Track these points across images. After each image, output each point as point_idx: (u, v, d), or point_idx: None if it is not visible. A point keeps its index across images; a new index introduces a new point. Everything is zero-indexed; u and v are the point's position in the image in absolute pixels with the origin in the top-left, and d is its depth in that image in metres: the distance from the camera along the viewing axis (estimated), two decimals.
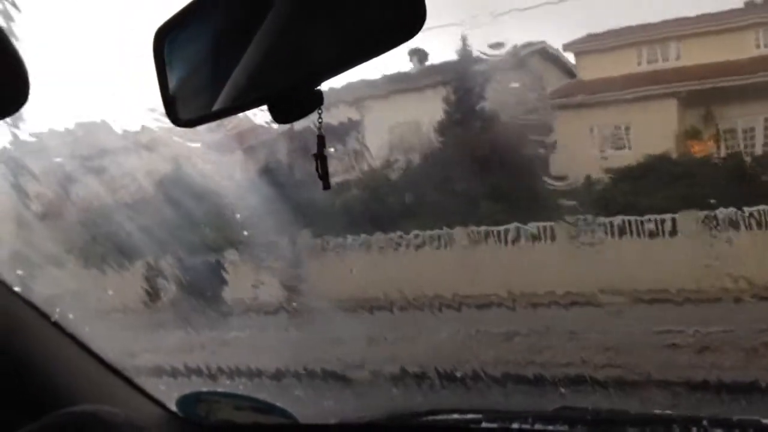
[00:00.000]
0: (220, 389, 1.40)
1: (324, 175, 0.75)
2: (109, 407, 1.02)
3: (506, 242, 5.15)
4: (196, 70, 0.76)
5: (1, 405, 1.19)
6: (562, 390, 2.33)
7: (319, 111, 0.73)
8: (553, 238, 4.48)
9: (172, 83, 0.75)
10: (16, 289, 1.19)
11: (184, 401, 1.42)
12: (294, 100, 0.72)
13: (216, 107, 0.73)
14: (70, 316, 1.28)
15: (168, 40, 0.75)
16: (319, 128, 0.74)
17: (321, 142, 0.75)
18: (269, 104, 0.71)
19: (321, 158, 0.75)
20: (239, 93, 0.73)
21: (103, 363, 1.32)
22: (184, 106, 0.75)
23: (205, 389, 1.39)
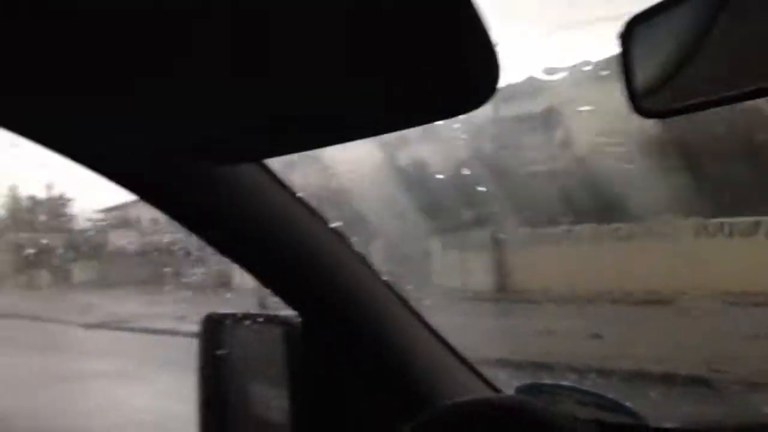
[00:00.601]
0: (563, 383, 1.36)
1: None
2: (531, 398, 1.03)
3: None
4: (674, 60, 0.73)
5: (375, 399, 1.29)
6: None
7: None
8: None
9: (640, 73, 0.74)
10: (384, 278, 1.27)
11: (524, 391, 1.41)
12: None
13: (699, 99, 0.71)
14: (427, 302, 1.35)
15: (640, 28, 0.74)
16: None
17: None
18: None
19: None
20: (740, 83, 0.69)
21: (450, 348, 1.37)
22: (653, 97, 0.74)
23: (548, 381, 1.36)
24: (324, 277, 1.26)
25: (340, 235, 1.24)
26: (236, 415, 1.44)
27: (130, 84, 0.85)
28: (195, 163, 1.08)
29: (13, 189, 25.89)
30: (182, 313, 14.78)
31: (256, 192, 1.16)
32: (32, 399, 8.53)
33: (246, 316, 1.43)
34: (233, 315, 1.52)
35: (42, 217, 23.16)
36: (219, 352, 1.45)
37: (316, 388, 1.32)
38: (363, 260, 1.27)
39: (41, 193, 25.59)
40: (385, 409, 1.34)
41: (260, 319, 1.37)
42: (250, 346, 1.44)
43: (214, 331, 1.46)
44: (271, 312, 1.37)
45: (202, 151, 1.07)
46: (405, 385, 1.33)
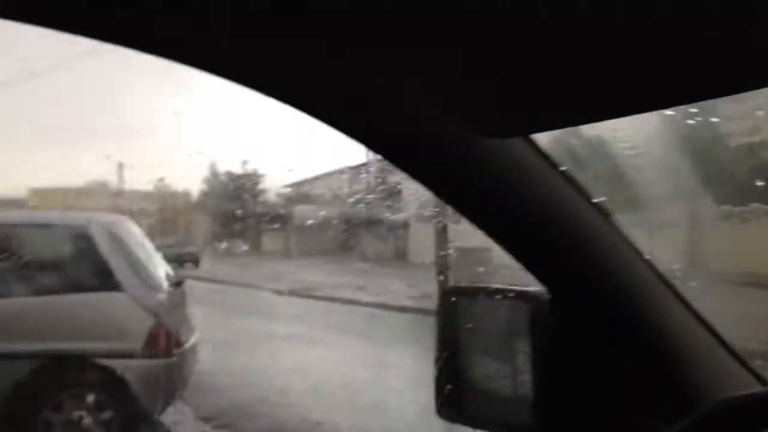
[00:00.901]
0: None
1: None
2: None
3: None
4: None
5: (628, 384, 1.22)
6: None
7: None
8: None
9: None
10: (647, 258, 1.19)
11: None
12: None
13: None
14: (692, 284, 1.25)
15: None
16: None
17: None
18: None
19: None
20: None
21: (716, 336, 1.27)
22: None
23: None
24: (580, 253, 1.21)
25: (604, 210, 1.18)
26: (476, 391, 1.44)
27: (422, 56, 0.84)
28: (461, 136, 1.07)
29: (212, 165, 28.28)
30: (361, 284, 15.39)
31: (520, 165, 1.13)
32: (234, 358, 9.29)
33: (486, 290, 1.41)
34: (472, 288, 1.51)
35: (237, 191, 25.08)
36: (459, 326, 1.44)
37: (563, 368, 1.28)
38: (625, 238, 1.20)
39: (237, 169, 27.71)
40: (638, 394, 1.26)
41: (508, 294, 1.34)
42: (492, 320, 1.42)
43: (453, 305, 1.46)
44: (517, 287, 1.34)
45: (472, 123, 1.05)
46: (663, 373, 1.24)
